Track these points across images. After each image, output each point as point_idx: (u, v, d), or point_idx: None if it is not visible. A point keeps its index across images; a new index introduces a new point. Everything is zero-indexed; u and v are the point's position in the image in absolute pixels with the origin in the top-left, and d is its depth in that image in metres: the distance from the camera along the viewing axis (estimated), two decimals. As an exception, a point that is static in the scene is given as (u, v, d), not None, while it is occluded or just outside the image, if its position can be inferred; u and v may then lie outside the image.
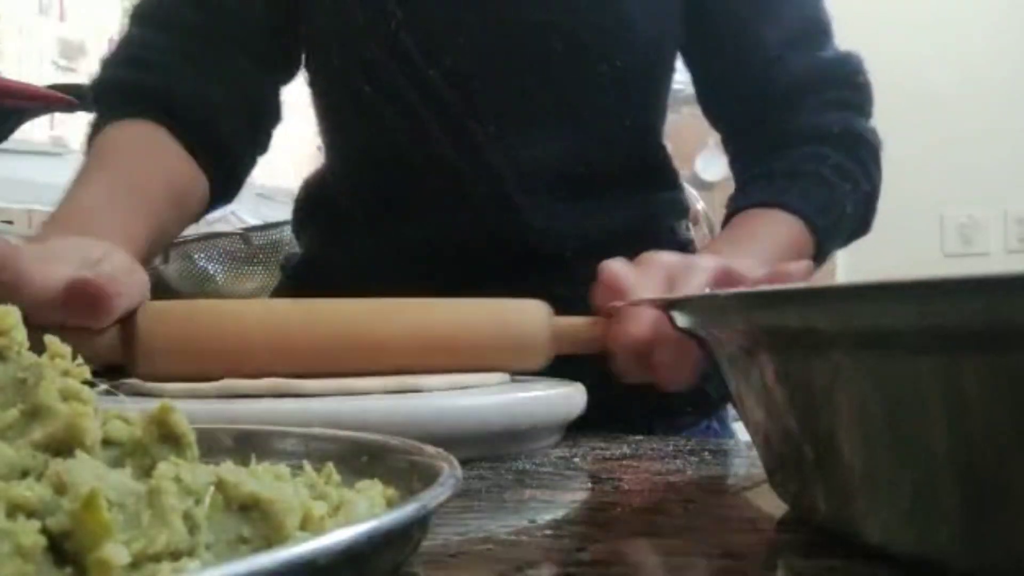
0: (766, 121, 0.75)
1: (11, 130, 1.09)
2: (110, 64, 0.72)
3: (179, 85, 0.69)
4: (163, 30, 0.72)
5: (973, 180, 2.44)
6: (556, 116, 0.70)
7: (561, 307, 0.57)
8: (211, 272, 1.22)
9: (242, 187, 0.77)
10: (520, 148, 0.69)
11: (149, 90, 0.68)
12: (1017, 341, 0.20)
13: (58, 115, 1.61)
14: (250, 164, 0.77)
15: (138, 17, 0.74)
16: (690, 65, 0.79)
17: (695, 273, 0.52)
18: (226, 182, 0.74)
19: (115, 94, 0.70)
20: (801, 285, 0.24)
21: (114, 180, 0.63)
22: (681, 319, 0.34)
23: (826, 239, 0.70)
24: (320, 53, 0.74)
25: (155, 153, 0.67)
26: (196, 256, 1.21)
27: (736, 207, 0.72)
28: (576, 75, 0.70)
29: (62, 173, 1.78)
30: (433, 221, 0.71)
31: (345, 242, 0.75)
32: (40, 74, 1.62)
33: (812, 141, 0.73)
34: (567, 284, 0.62)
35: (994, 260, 2.49)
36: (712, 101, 0.80)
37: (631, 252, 0.61)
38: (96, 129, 0.69)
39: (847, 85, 0.75)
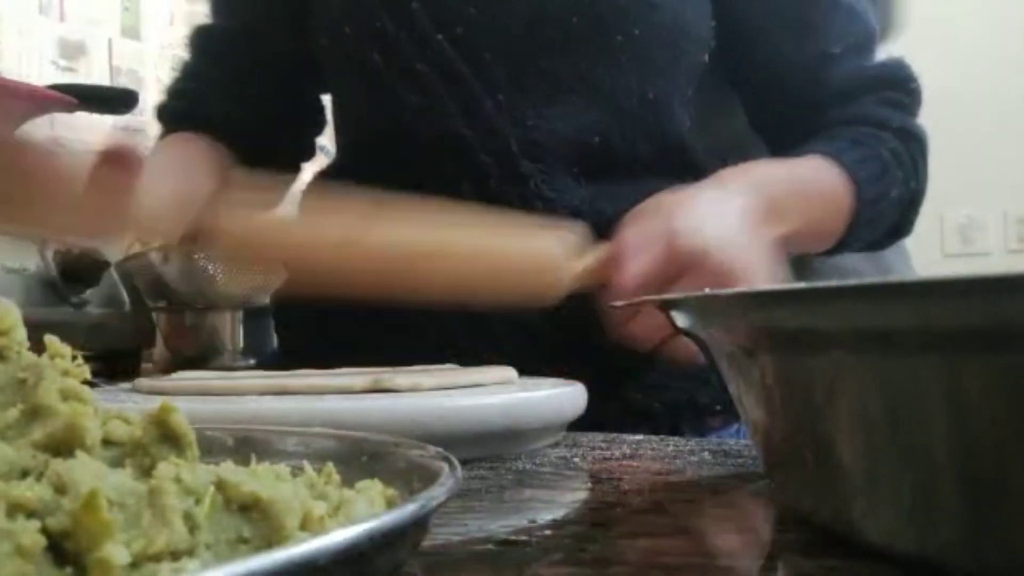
0: (816, 119, 0.73)
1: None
2: (167, 92, 0.84)
3: (215, 109, 0.79)
4: (204, 57, 0.83)
5: (973, 180, 2.44)
6: (569, 87, 0.69)
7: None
8: (211, 272, 1.22)
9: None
10: (531, 118, 0.68)
11: (192, 116, 0.80)
12: (1017, 341, 0.20)
13: (58, 115, 1.61)
14: (295, 171, 0.85)
15: (189, 43, 0.85)
16: (735, 84, 0.78)
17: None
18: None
19: (168, 121, 0.82)
20: (801, 285, 0.24)
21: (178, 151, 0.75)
22: (680, 319, 0.34)
23: (864, 213, 0.68)
24: (335, 30, 0.74)
25: (209, 149, 0.77)
26: (196, 256, 1.21)
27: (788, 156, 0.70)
28: (591, 45, 0.68)
29: (62, 173, 1.75)
30: (440, 194, 0.70)
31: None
32: (40, 74, 1.62)
33: (872, 126, 0.71)
34: None
35: (994, 260, 2.49)
36: (762, 117, 0.78)
37: None
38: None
39: (902, 88, 0.74)
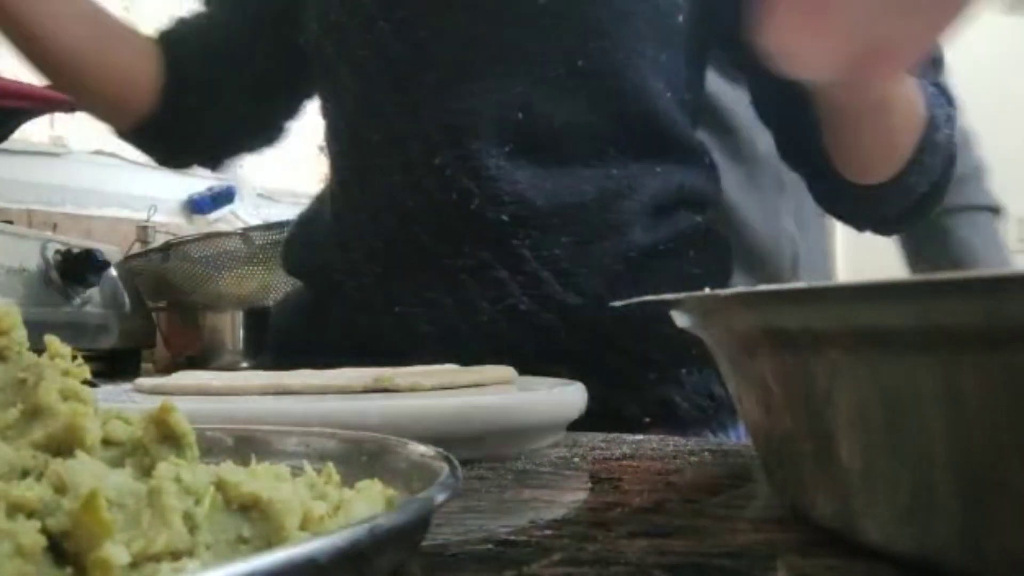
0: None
1: (11, 130, 1.09)
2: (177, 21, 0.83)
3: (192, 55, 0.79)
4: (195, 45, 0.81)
5: (973, 180, 2.44)
6: (498, 60, 0.65)
7: (525, 279, 0.57)
8: (211, 272, 1.22)
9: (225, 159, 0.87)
10: (464, 98, 0.65)
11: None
12: (1016, 341, 0.20)
13: (58, 115, 1.61)
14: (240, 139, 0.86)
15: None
16: (735, 65, 0.74)
17: None
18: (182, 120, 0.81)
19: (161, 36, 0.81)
20: (801, 285, 0.24)
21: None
22: (681, 319, 0.34)
23: (930, 140, 0.62)
24: (307, 30, 0.75)
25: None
26: (196, 256, 1.21)
27: None
28: (519, 12, 0.65)
29: (62, 173, 1.78)
30: (382, 189, 0.69)
31: (331, 216, 0.76)
32: (40, 74, 1.62)
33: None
34: (537, 250, 0.61)
35: (994, 260, 2.49)
36: (762, 102, 0.72)
37: (601, 224, 0.59)
38: None
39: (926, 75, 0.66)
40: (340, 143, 0.75)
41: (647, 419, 0.68)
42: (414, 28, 0.67)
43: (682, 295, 0.31)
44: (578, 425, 0.52)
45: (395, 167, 0.68)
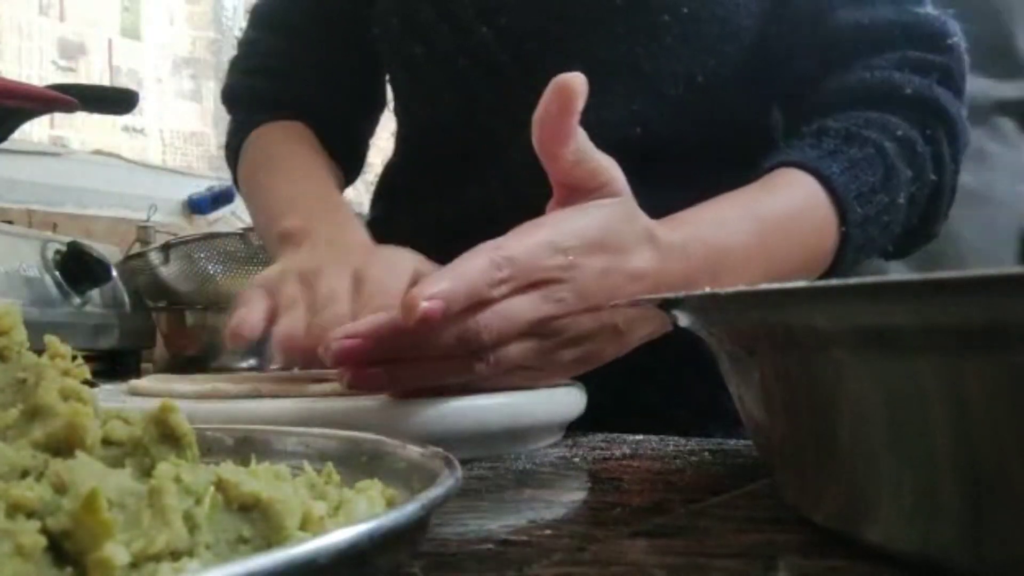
0: (823, 78, 0.63)
1: (11, 130, 1.09)
2: (238, 70, 0.81)
3: (303, 90, 0.77)
4: (279, 34, 0.80)
5: (973, 180, 2.44)
6: (615, 75, 0.64)
7: None
8: (211, 272, 1.22)
9: (363, 166, 0.84)
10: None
11: (280, 100, 0.77)
12: (1017, 341, 0.20)
13: (58, 115, 1.61)
14: (366, 147, 0.83)
15: (256, 20, 0.82)
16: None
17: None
18: (352, 163, 0.81)
19: (251, 103, 0.79)
20: (801, 284, 0.24)
21: (302, 170, 0.70)
22: (681, 318, 0.34)
23: (857, 238, 0.57)
24: (385, 25, 0.73)
25: (308, 145, 0.74)
26: (196, 256, 1.21)
27: (767, 165, 0.59)
28: (633, 26, 0.63)
29: (62, 173, 1.78)
30: (468, 194, 0.69)
31: (395, 216, 0.76)
32: (40, 74, 1.62)
33: (877, 103, 0.60)
34: None
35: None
36: (774, 65, 0.68)
37: None
38: (238, 134, 0.78)
39: (931, 45, 0.61)
40: (420, 148, 0.75)
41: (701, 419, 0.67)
42: (519, 39, 0.65)
43: (682, 294, 0.31)
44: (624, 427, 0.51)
45: (490, 175, 0.67)
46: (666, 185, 0.61)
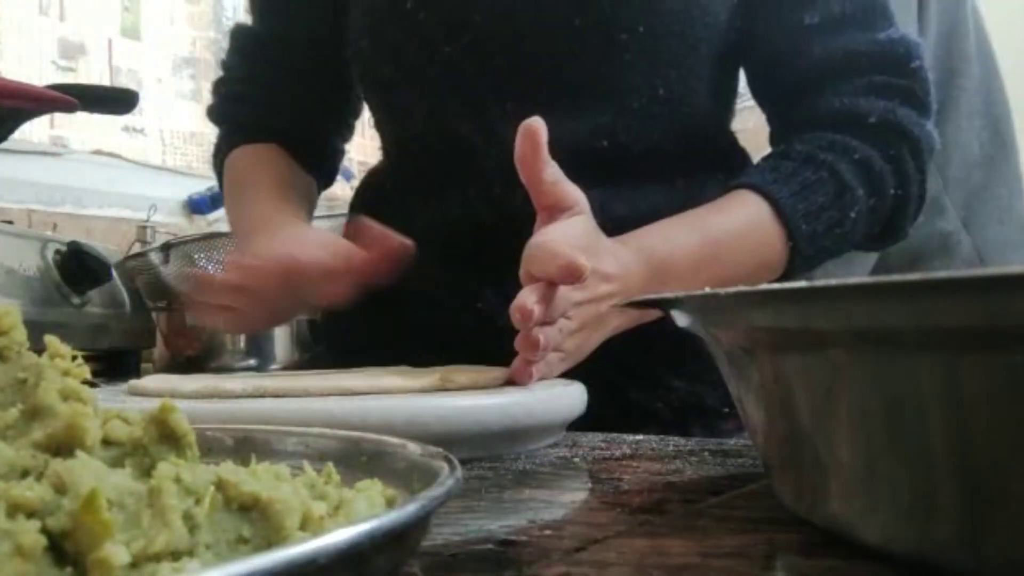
0: (798, 102, 0.69)
1: (11, 130, 1.09)
2: (219, 94, 0.87)
3: (277, 118, 0.83)
4: (255, 60, 0.85)
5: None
6: (579, 90, 0.67)
7: None
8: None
9: (337, 172, 0.91)
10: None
11: (256, 125, 0.83)
12: (1017, 341, 0.20)
13: (58, 115, 1.61)
14: (341, 154, 0.89)
15: (234, 44, 0.87)
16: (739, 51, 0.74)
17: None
18: (325, 172, 0.87)
19: (231, 126, 0.85)
20: (801, 283, 0.24)
21: (271, 187, 0.77)
22: (681, 318, 0.34)
23: (806, 249, 0.64)
24: (356, 47, 0.76)
25: (281, 164, 0.81)
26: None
27: (729, 185, 0.66)
28: (597, 45, 0.66)
29: (62, 173, 1.77)
30: (448, 203, 0.71)
31: (380, 221, 0.77)
32: (40, 74, 1.62)
33: (843, 128, 0.66)
34: None
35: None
36: (755, 83, 0.74)
37: None
38: (220, 152, 0.85)
39: (896, 70, 0.67)
40: (400, 158, 0.78)
41: (725, 409, 0.70)
42: (485, 56, 0.68)
43: (681, 294, 0.31)
44: (577, 425, 0.52)
45: (467, 184, 0.69)
46: (637, 190, 0.68)
